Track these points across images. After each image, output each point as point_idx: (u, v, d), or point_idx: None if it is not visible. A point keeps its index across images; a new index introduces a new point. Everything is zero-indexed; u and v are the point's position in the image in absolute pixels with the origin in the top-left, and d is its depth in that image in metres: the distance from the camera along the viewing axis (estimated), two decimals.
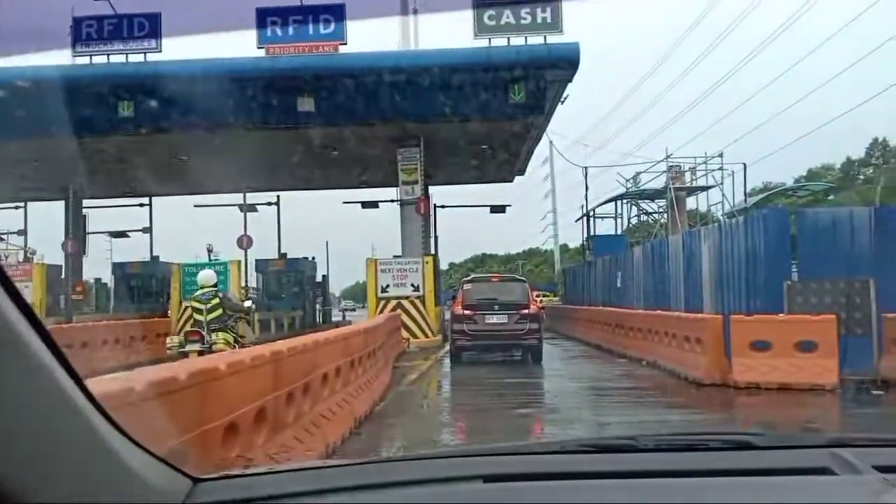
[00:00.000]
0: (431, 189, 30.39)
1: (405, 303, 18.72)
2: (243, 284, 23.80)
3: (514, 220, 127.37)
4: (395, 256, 20.52)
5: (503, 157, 27.05)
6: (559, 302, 42.61)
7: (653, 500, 1.02)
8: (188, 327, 11.78)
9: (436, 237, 31.06)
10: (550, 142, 77.71)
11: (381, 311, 18.49)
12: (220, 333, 10.37)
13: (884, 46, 37.13)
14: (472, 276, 17.15)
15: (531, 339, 13.27)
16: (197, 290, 11.15)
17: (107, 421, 0.86)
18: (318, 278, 31.71)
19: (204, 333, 10.42)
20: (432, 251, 28.66)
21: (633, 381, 11.26)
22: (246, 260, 22.26)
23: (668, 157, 26.30)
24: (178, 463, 1.00)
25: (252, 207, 29.11)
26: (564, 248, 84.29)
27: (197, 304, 10.73)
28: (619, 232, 29.73)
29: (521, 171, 32.83)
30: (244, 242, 22.18)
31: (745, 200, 26.33)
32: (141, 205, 30.72)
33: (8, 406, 0.69)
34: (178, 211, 49.38)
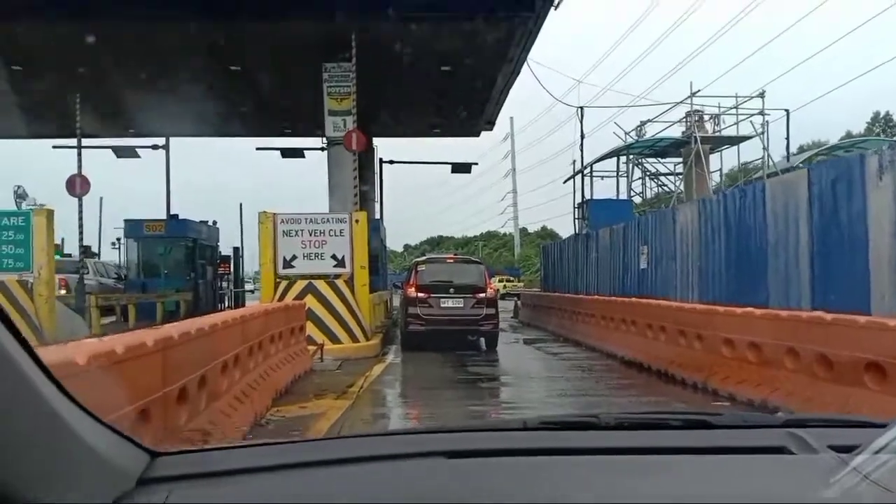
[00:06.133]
0: (375, 141, 23.43)
1: (320, 285, 11.65)
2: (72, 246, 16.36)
3: (472, 199, 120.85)
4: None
5: (471, 93, 20.00)
6: (525, 288, 36.37)
7: (612, 476, 1.02)
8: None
9: (381, 200, 24.03)
10: (511, 118, 71.21)
11: (282, 298, 11.46)
12: None
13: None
14: (427, 255, 16.13)
15: (487, 325, 12.47)
16: None
17: (62, 394, 0.84)
18: (226, 251, 24.37)
19: None
20: (375, 213, 21.66)
21: None
22: (81, 211, 14.77)
23: (693, 94, 19.62)
24: (135, 437, 0.97)
25: (131, 151, 21.56)
26: (524, 232, 78.70)
27: None
28: (622, 196, 23.02)
29: (491, 124, 25.91)
30: (76, 187, 14.66)
31: (788, 158, 20.01)
32: None
33: None
34: (38, 156, 40.81)
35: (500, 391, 8.68)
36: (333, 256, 12.16)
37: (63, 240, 33.37)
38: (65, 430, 0.79)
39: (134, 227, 19.40)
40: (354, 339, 11.70)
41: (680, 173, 22.06)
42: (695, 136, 19.33)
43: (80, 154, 15.01)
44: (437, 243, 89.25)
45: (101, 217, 26.66)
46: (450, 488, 0.97)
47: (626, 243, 15.35)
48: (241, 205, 27.50)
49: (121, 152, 21.54)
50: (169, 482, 0.92)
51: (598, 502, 0.92)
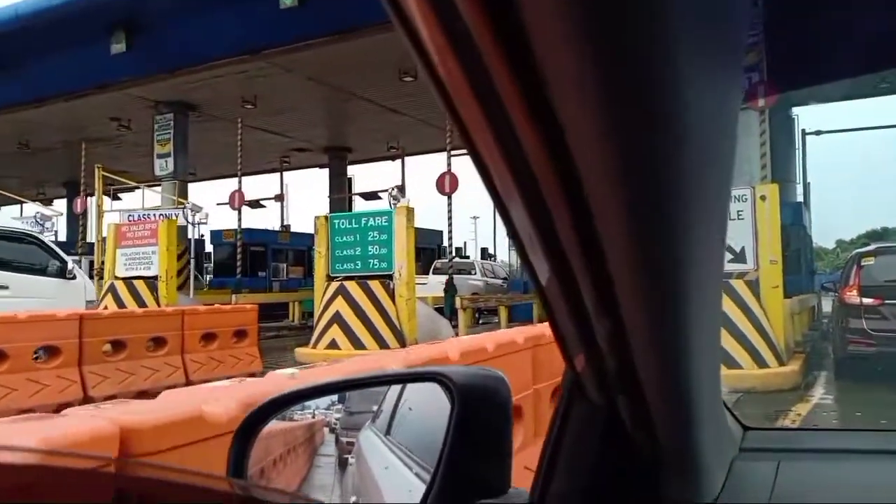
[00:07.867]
0: (795, 111, 18.84)
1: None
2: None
3: None
4: None
5: None
6: None
7: None
8: None
9: (804, 180, 19.12)
10: None
11: None
12: None
13: None
14: (876, 245, 11.92)
15: None
16: None
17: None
18: None
19: None
20: (797, 196, 17.17)
21: None
22: (450, 212, 14.21)
23: None
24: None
25: None
26: None
27: None
28: None
29: None
30: (445, 186, 14.37)
31: None
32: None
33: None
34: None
35: None
36: (729, 248, 8.95)
37: (465, 243, 35.52)
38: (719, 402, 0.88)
39: None
40: (760, 362, 8.36)
41: None
42: None
43: (449, 155, 14.47)
44: (879, 237, 73.87)
45: (495, 218, 27.67)
46: None
47: None
48: None
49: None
50: (766, 452, 0.98)
51: None
